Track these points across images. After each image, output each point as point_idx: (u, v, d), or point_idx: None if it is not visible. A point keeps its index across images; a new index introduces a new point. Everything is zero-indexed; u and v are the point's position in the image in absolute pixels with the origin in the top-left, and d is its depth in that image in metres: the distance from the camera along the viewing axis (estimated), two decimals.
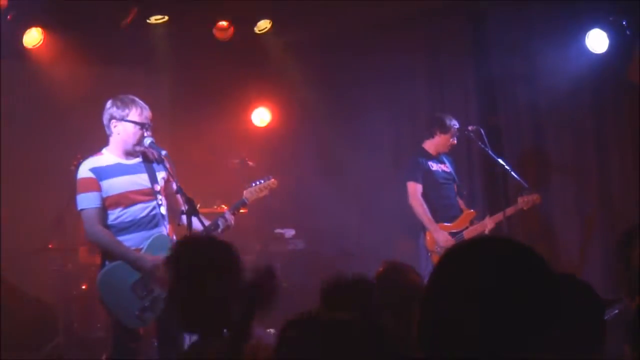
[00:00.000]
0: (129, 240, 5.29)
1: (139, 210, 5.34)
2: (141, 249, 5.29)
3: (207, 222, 5.61)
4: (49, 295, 7.42)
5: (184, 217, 5.32)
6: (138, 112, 5.34)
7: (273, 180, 6.30)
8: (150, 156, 5.49)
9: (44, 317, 7.35)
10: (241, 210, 6.28)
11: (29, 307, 7.39)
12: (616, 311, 5.77)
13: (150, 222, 5.37)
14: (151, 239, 5.33)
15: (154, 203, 5.39)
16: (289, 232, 8.81)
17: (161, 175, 5.48)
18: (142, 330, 5.24)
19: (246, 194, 6.14)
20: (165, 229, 5.41)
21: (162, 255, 5.12)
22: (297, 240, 8.78)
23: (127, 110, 5.34)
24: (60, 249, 7.15)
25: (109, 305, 5.26)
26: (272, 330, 8.17)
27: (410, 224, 7.31)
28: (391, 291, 3.50)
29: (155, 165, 5.48)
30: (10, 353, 6.38)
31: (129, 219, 5.31)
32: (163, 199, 5.45)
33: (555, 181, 8.10)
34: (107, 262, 5.29)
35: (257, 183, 6.23)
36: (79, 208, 5.29)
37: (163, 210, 5.43)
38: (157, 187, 5.42)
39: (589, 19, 7.55)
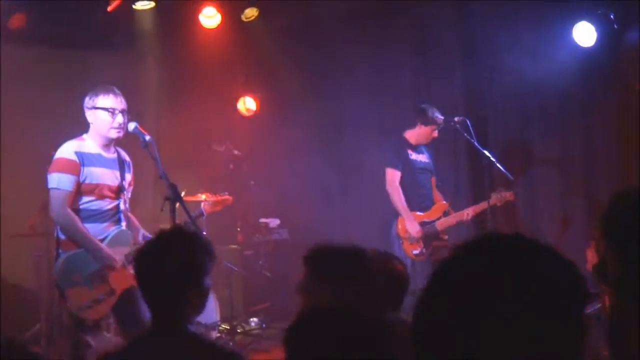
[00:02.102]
0: (89, 228, 5.27)
1: (107, 203, 5.38)
2: (102, 239, 5.30)
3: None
4: (31, 280, 7.40)
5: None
6: (107, 98, 5.35)
7: (228, 196, 6.73)
8: (122, 157, 5.56)
9: (26, 303, 7.33)
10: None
11: (10, 293, 7.36)
12: (598, 306, 5.82)
13: (113, 216, 5.42)
14: (114, 232, 5.38)
15: (119, 201, 5.46)
16: (274, 222, 8.80)
17: (129, 177, 5.58)
18: (91, 322, 5.20)
19: (204, 206, 6.40)
20: (125, 224, 5.49)
21: (123, 249, 5.27)
22: (281, 230, 8.78)
23: (95, 99, 5.35)
24: (44, 234, 7.12)
25: (64, 292, 5.22)
26: (255, 320, 8.25)
27: (390, 212, 7.34)
28: (377, 279, 3.50)
29: (126, 166, 5.57)
30: None
31: (94, 208, 5.32)
32: (125, 200, 5.54)
33: (540, 174, 8.14)
34: (61, 252, 5.27)
35: (214, 197, 6.71)
36: (52, 186, 5.22)
37: (122, 205, 5.49)
38: (125, 185, 5.51)
39: (577, 11, 7.54)
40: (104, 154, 5.41)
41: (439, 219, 7.32)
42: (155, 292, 3.14)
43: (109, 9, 7.56)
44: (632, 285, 2.00)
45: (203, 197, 7.71)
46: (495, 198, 7.13)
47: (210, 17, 8.35)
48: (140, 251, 3.30)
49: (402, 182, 7.29)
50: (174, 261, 3.11)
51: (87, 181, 5.28)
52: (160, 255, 3.17)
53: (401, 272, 3.72)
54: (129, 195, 5.64)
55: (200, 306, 3.18)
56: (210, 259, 3.20)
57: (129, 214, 5.67)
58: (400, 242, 7.17)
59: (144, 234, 5.63)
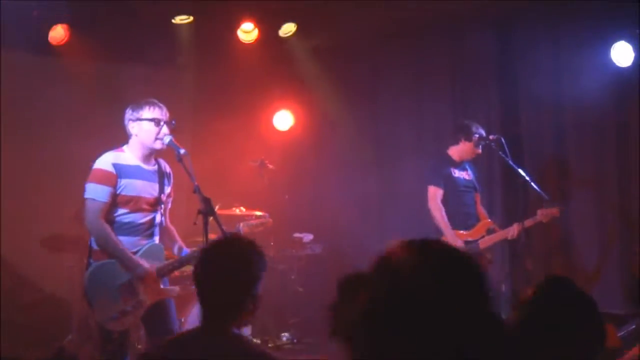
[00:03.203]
0: (122, 241, 5.26)
1: (142, 216, 5.37)
2: (134, 252, 5.29)
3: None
4: (64, 291, 7.45)
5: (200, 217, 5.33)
6: (151, 110, 5.37)
7: (270, 220, 6.60)
8: (163, 169, 5.55)
9: (59, 313, 7.38)
10: None
11: (44, 303, 7.43)
12: (633, 326, 5.75)
13: (146, 230, 5.40)
14: (147, 246, 5.36)
15: (156, 214, 5.44)
16: (307, 237, 8.78)
17: (168, 189, 5.56)
18: (117, 335, 5.17)
19: (243, 226, 6.28)
20: (158, 238, 5.47)
21: (155, 263, 5.26)
22: (314, 245, 8.78)
23: (140, 111, 5.37)
24: (76, 244, 7.18)
25: (93, 300, 5.21)
26: (286, 334, 8.26)
27: (427, 229, 7.30)
28: None
29: (165, 178, 5.55)
30: (26, 348, 6.41)
31: (128, 220, 5.31)
32: (162, 213, 5.51)
33: (576, 193, 8.04)
34: (91, 261, 5.28)
35: (255, 220, 6.57)
36: (87, 196, 5.24)
37: (159, 218, 5.48)
38: (163, 198, 5.48)
39: (615, 31, 7.50)
40: (143, 165, 5.41)
41: (482, 237, 7.25)
42: (212, 293, 3.24)
43: (148, 23, 7.67)
44: None
45: (237, 211, 7.80)
46: (542, 215, 7.07)
47: (248, 32, 8.40)
48: (203, 252, 3.42)
49: (445, 200, 7.22)
50: (234, 265, 3.26)
51: (123, 193, 5.28)
52: (221, 258, 3.32)
53: None
54: (169, 206, 5.63)
55: (253, 311, 3.26)
56: (264, 267, 3.33)
57: (169, 226, 5.64)
58: None
59: (179, 246, 5.60)
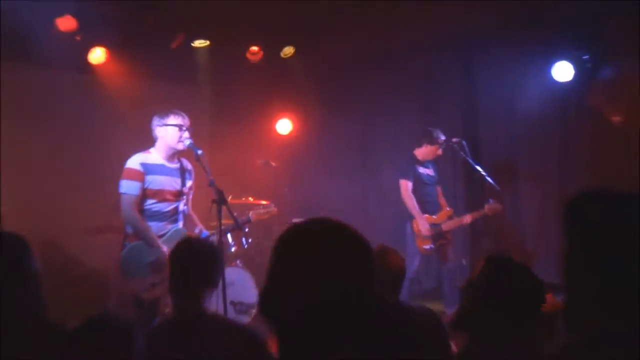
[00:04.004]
0: (151, 226, 5.32)
1: (166, 205, 5.40)
2: (161, 235, 5.34)
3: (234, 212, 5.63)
4: (103, 267, 7.44)
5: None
6: (175, 118, 5.42)
7: (275, 208, 6.52)
8: (185, 166, 5.57)
9: (99, 285, 7.36)
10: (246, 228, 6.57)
11: (86, 278, 7.40)
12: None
13: (171, 216, 5.44)
14: (172, 230, 5.41)
15: (179, 203, 5.48)
16: None
17: (189, 183, 5.57)
18: (147, 302, 5.20)
19: (252, 214, 6.27)
20: (181, 224, 5.52)
21: None
22: None
23: (166, 118, 5.42)
24: (115, 229, 7.17)
25: (128, 275, 5.30)
26: None
27: (400, 214, 7.30)
28: (381, 270, 3.44)
29: (187, 174, 5.56)
30: (71, 317, 6.36)
31: (155, 209, 5.36)
32: (185, 202, 5.56)
33: (524, 186, 8.12)
34: (127, 243, 5.32)
35: (263, 208, 6.43)
36: (121, 191, 5.29)
37: (182, 207, 5.51)
38: (185, 191, 5.51)
39: (556, 53, 7.52)
40: (167, 164, 5.44)
41: (444, 222, 7.27)
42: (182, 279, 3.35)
43: (173, 46, 7.62)
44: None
45: (250, 199, 7.79)
46: (488, 209, 7.12)
47: (254, 54, 8.39)
48: (172, 252, 3.48)
49: (414, 192, 7.25)
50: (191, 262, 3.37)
51: (150, 187, 5.32)
52: (184, 254, 3.43)
53: (401, 265, 3.67)
54: (191, 197, 5.65)
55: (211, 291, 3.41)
56: (214, 262, 3.47)
57: (191, 212, 5.68)
58: (414, 238, 7.13)
59: (200, 228, 5.66)
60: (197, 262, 3.37)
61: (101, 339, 2.26)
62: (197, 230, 5.65)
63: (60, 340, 2.35)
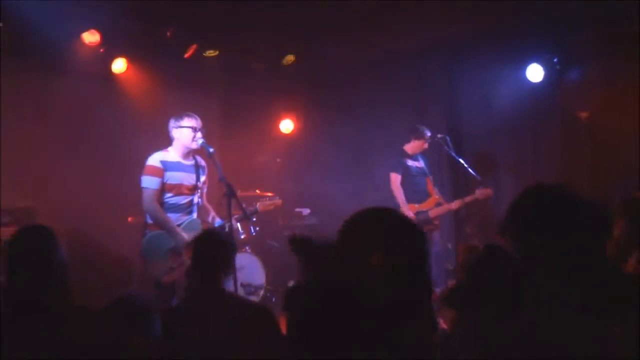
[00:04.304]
0: (170, 217, 5.40)
1: (182, 198, 5.47)
2: (178, 225, 5.39)
3: (243, 203, 5.76)
4: (128, 255, 7.53)
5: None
6: (189, 120, 5.49)
7: (279, 200, 6.60)
8: (199, 163, 5.62)
9: (123, 269, 7.44)
10: (253, 218, 6.57)
11: (113, 263, 7.48)
12: None
13: (187, 208, 5.51)
14: (187, 221, 5.46)
15: (194, 196, 5.53)
16: (306, 211, 8.87)
17: (203, 178, 5.61)
18: (167, 284, 5.29)
19: (259, 205, 6.37)
20: (195, 215, 5.55)
21: (193, 233, 5.30)
22: (311, 217, 8.85)
23: (181, 120, 5.50)
24: (136, 223, 7.26)
25: (149, 260, 5.36)
26: (292, 282, 8.30)
27: (391, 204, 7.38)
28: None
29: (201, 170, 5.61)
30: (96, 296, 6.43)
31: (173, 202, 5.44)
32: (200, 195, 5.60)
33: (502, 177, 8.14)
34: (147, 232, 5.40)
35: (269, 199, 6.53)
36: (143, 186, 5.38)
37: (196, 199, 5.56)
38: (199, 185, 5.56)
39: (528, 56, 7.61)
40: (183, 161, 5.50)
41: (431, 209, 7.38)
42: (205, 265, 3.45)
43: (186, 56, 7.69)
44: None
45: (257, 191, 7.87)
46: (479, 193, 7.21)
47: (259, 64, 8.48)
48: (196, 241, 3.64)
49: (403, 183, 7.36)
50: (213, 250, 3.49)
51: (169, 182, 5.40)
52: (207, 243, 3.55)
53: None
54: (205, 191, 5.70)
55: (228, 273, 3.53)
56: (233, 250, 3.63)
57: (206, 204, 5.72)
58: None
59: (213, 216, 5.72)
60: (218, 250, 3.50)
61: (123, 318, 2.32)
62: (209, 219, 5.70)
63: (86, 320, 2.41)
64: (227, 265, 3.52)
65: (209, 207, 5.81)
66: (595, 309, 1.84)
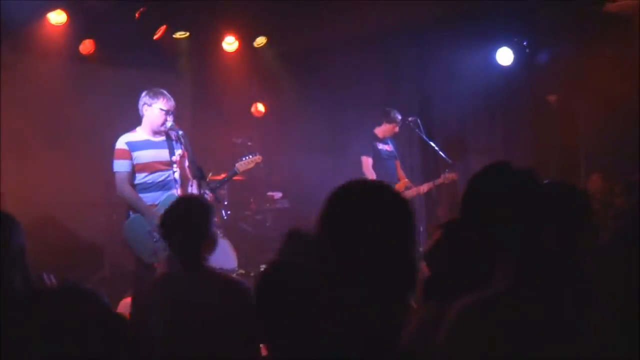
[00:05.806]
0: (148, 197, 5.32)
1: (158, 176, 5.38)
2: (157, 204, 5.30)
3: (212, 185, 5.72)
4: (98, 238, 7.45)
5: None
6: (164, 101, 5.38)
7: (258, 156, 6.32)
8: (172, 136, 5.49)
9: (94, 255, 7.36)
10: (234, 178, 6.30)
11: (82, 247, 7.40)
12: None
13: (165, 185, 5.40)
14: (163, 197, 5.35)
15: (170, 171, 5.40)
16: (278, 195, 8.83)
17: (178, 151, 5.47)
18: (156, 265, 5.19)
19: (238, 165, 6.21)
20: (176, 190, 5.40)
21: None
22: (283, 201, 8.82)
23: (155, 99, 5.38)
24: (106, 204, 7.17)
25: (132, 245, 5.28)
26: (263, 266, 8.29)
27: None
28: None
29: (174, 143, 5.48)
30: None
31: (150, 181, 5.36)
32: (178, 169, 5.43)
33: (472, 159, 8.21)
34: (130, 213, 5.32)
35: (246, 158, 6.27)
36: (114, 170, 5.33)
37: (177, 175, 5.41)
38: (174, 159, 5.42)
39: (498, 40, 7.66)
40: (152, 138, 5.40)
41: (401, 192, 7.36)
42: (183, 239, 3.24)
43: (155, 37, 7.61)
44: None
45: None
46: (444, 178, 7.25)
47: (230, 44, 8.42)
48: (166, 210, 3.39)
49: (374, 166, 7.36)
50: (193, 219, 3.27)
51: (138, 162, 5.33)
52: (183, 215, 3.30)
53: None
54: (186, 163, 5.50)
55: (212, 247, 3.29)
56: (212, 216, 3.33)
57: (189, 176, 5.52)
58: None
59: (192, 186, 5.51)
60: (189, 214, 3.29)
61: (72, 297, 2.26)
62: (189, 190, 5.51)
63: (37, 298, 2.40)
64: (203, 231, 3.27)
65: (190, 176, 5.61)
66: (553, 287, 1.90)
